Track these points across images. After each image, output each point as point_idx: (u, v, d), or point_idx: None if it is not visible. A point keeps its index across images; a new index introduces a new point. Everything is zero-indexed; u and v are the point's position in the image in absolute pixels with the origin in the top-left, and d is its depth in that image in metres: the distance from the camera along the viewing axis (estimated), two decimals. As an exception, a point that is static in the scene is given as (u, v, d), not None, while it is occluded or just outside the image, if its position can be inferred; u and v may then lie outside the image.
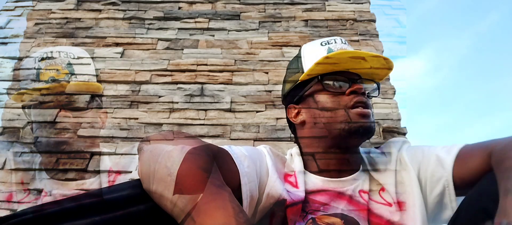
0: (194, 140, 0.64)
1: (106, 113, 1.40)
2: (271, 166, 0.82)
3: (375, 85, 0.93)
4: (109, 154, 1.50)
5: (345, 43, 0.93)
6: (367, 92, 0.87)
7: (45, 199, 1.24)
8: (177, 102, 1.83)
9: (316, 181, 0.84)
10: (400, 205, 0.78)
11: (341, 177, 0.84)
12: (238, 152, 0.78)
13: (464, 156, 0.76)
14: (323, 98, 0.87)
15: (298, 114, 0.92)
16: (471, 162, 0.73)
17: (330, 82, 0.86)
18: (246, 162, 0.76)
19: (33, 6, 2.15)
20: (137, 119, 1.76)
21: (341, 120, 0.83)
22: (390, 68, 0.91)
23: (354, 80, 0.86)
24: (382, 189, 0.82)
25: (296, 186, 0.82)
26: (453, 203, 0.75)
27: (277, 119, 1.78)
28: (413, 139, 1.75)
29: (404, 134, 1.75)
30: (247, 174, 0.73)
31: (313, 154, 0.87)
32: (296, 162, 0.87)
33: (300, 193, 0.80)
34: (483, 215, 0.57)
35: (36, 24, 2.09)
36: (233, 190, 0.65)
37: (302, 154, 0.90)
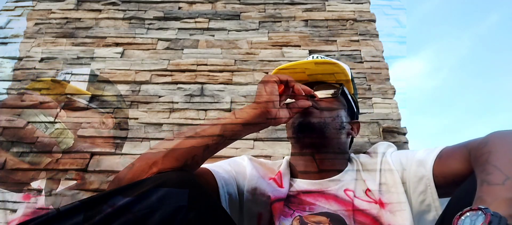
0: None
1: (112, 117, 1.43)
2: (250, 170, 0.88)
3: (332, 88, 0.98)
4: (109, 154, 1.50)
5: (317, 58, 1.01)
6: (322, 96, 0.93)
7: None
8: (177, 102, 1.83)
9: (301, 184, 0.88)
10: (382, 204, 0.80)
11: (324, 178, 0.88)
12: (212, 165, 0.86)
13: (444, 155, 0.78)
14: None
15: None
16: (451, 160, 0.76)
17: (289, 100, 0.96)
18: (220, 170, 0.85)
19: (33, 6, 2.15)
20: (137, 119, 1.76)
21: (291, 123, 0.92)
22: (332, 63, 0.96)
23: (306, 83, 0.93)
24: (369, 189, 0.85)
25: (281, 185, 0.87)
26: (435, 202, 0.77)
27: (277, 119, 1.78)
28: (413, 140, 1.75)
29: (404, 134, 1.75)
30: (222, 179, 0.82)
31: (297, 159, 0.94)
32: (283, 166, 0.94)
33: (283, 190, 0.85)
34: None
35: (36, 24, 2.09)
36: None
37: (290, 162, 0.97)
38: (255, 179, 0.86)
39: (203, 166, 0.81)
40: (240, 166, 0.90)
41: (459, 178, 0.72)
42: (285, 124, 1.00)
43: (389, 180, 0.83)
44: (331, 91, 0.94)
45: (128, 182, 0.65)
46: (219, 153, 0.82)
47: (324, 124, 0.88)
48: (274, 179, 0.89)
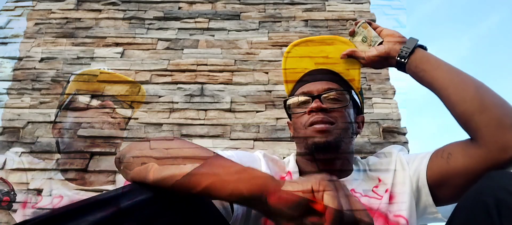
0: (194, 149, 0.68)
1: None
2: (265, 170, 0.86)
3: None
4: (109, 154, 1.50)
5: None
6: (336, 96, 0.90)
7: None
8: (177, 102, 1.83)
9: None
10: (389, 201, 0.83)
11: None
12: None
13: (440, 150, 0.82)
14: (293, 120, 0.95)
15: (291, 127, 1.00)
16: (441, 150, 0.81)
17: (295, 102, 0.93)
18: None
19: (33, 6, 2.15)
20: (137, 119, 1.77)
21: (304, 137, 0.89)
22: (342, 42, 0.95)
23: (315, 96, 0.89)
24: (376, 186, 0.86)
25: None
26: (425, 188, 0.81)
27: (277, 119, 1.78)
28: (413, 140, 1.75)
29: (404, 134, 1.75)
30: None
31: (303, 160, 0.92)
32: (291, 165, 0.92)
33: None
34: (482, 208, 0.59)
35: (36, 24, 2.09)
36: None
37: (296, 160, 0.96)
38: None
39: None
40: (255, 166, 0.84)
41: (450, 164, 0.77)
42: (292, 125, 0.96)
43: (400, 179, 0.85)
44: (342, 101, 0.91)
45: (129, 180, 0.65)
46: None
47: (339, 140, 0.86)
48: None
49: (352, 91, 0.94)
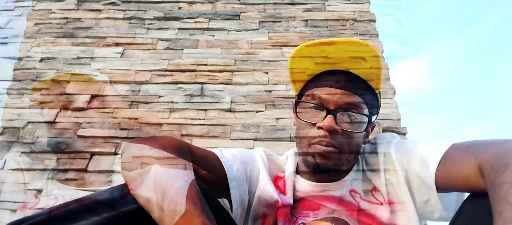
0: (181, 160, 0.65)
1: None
2: (263, 169, 0.82)
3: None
4: (109, 154, 1.50)
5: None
6: (350, 119, 0.79)
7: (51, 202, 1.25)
8: (177, 102, 1.83)
9: (306, 185, 0.84)
10: (390, 204, 0.78)
11: (331, 181, 0.83)
12: (228, 156, 0.79)
13: (449, 160, 0.72)
14: (298, 119, 0.85)
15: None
16: (456, 168, 0.69)
17: (305, 107, 0.83)
18: (235, 166, 0.78)
19: (33, 6, 2.15)
20: (137, 119, 1.77)
21: (304, 149, 0.81)
22: (376, 55, 0.78)
23: (330, 111, 0.78)
24: (374, 188, 0.81)
25: (283, 192, 0.82)
26: (438, 204, 0.73)
27: (277, 119, 1.78)
28: (413, 139, 1.75)
29: (404, 134, 1.75)
30: (235, 178, 0.76)
31: (302, 158, 0.85)
32: (288, 164, 0.87)
33: (287, 198, 0.81)
34: (485, 214, 0.56)
35: (36, 24, 2.09)
36: (221, 193, 0.75)
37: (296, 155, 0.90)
38: (265, 180, 0.81)
39: (217, 157, 0.76)
40: (254, 165, 0.83)
41: (462, 189, 0.69)
42: (297, 121, 0.87)
43: (392, 180, 0.78)
44: (358, 123, 0.80)
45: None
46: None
47: (342, 163, 0.80)
48: (278, 186, 0.84)
49: (372, 116, 0.83)
